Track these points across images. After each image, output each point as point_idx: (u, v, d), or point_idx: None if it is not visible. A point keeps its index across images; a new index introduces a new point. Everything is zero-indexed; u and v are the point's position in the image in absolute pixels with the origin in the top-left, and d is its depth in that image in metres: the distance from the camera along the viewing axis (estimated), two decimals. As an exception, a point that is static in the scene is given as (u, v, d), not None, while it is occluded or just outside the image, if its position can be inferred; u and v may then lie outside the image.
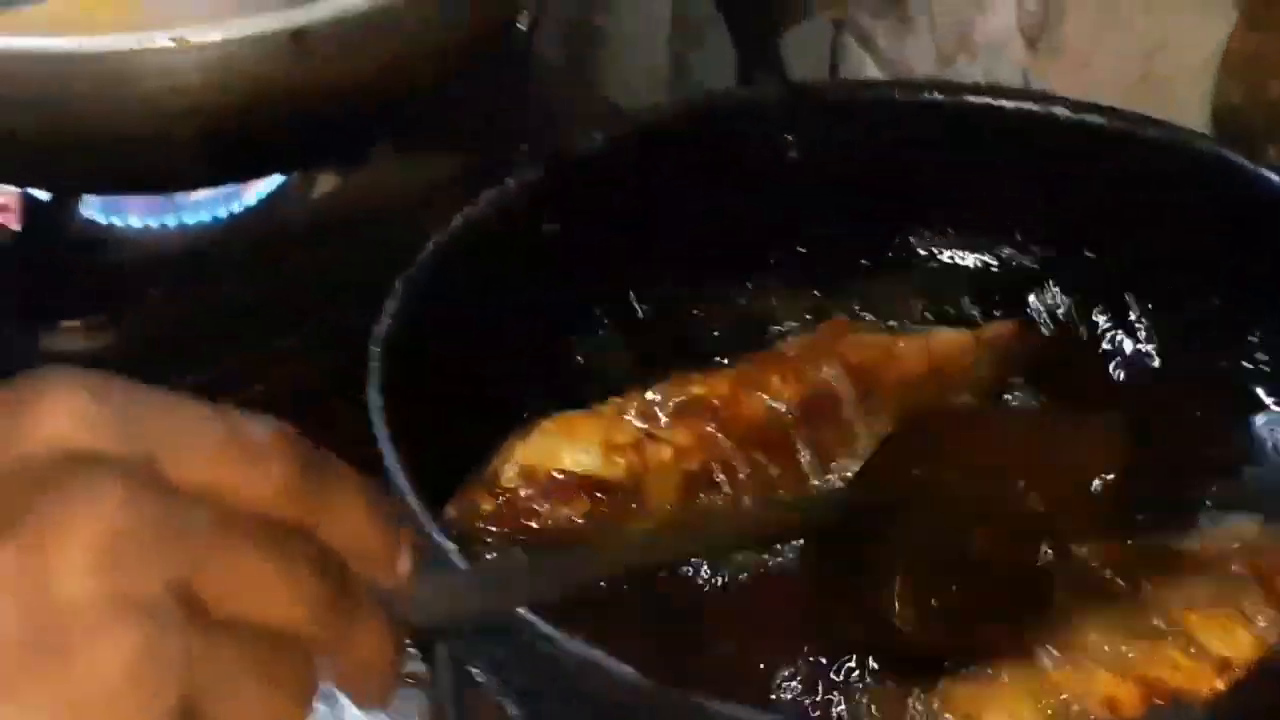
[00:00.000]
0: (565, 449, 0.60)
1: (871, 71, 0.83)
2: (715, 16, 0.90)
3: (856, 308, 0.67)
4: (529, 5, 0.63)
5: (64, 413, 0.38)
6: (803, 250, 0.69)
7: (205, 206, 0.82)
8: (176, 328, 0.77)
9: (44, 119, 0.68)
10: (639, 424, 0.61)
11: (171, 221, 0.82)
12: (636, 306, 0.67)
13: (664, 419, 0.62)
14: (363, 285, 0.78)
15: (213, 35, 0.65)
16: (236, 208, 0.82)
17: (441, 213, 0.81)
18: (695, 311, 0.68)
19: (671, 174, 0.67)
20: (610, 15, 1.01)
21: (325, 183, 0.84)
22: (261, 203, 0.83)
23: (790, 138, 0.67)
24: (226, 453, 0.39)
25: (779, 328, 0.67)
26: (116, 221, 0.81)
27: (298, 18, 0.66)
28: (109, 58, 0.65)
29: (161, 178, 0.77)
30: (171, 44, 0.65)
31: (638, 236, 0.66)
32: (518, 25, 0.66)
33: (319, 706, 0.40)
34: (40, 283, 0.78)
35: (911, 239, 0.69)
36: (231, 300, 0.79)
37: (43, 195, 0.79)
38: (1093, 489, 0.55)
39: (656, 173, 0.66)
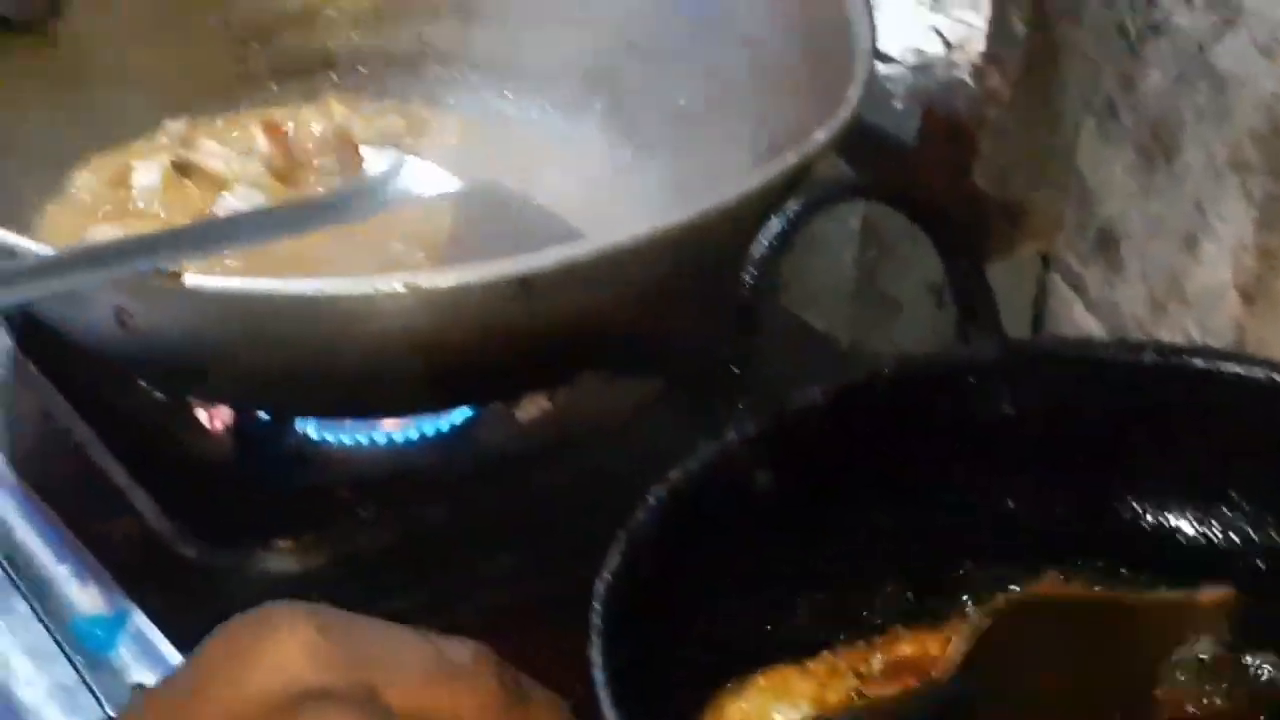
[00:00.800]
0: (778, 705, 0.61)
1: (1079, 313, 0.83)
2: (908, 228, 0.91)
3: (1064, 569, 0.67)
4: (753, 263, 0.63)
5: (295, 650, 0.42)
6: (1011, 505, 0.69)
7: (412, 424, 0.84)
8: (386, 548, 0.79)
9: (277, 353, 0.70)
10: (851, 682, 0.62)
11: (380, 439, 0.84)
12: (850, 562, 0.67)
13: (876, 677, 0.62)
14: (567, 507, 0.81)
15: (444, 281, 0.67)
16: (444, 426, 0.84)
17: (645, 436, 0.84)
18: (904, 566, 0.68)
19: (885, 428, 0.67)
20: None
21: (532, 404, 0.86)
22: (468, 421, 0.85)
23: (1005, 393, 0.68)
24: (436, 677, 0.42)
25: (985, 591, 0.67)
26: (328, 438, 0.83)
27: (526, 265, 0.68)
28: (345, 300, 0.67)
29: (382, 407, 0.79)
30: (404, 289, 0.67)
31: (851, 490, 0.67)
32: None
33: None
34: (254, 501, 0.80)
35: (1124, 498, 0.69)
36: (438, 521, 0.80)
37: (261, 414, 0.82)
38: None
39: (871, 427, 0.67)
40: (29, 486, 0.79)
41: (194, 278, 0.66)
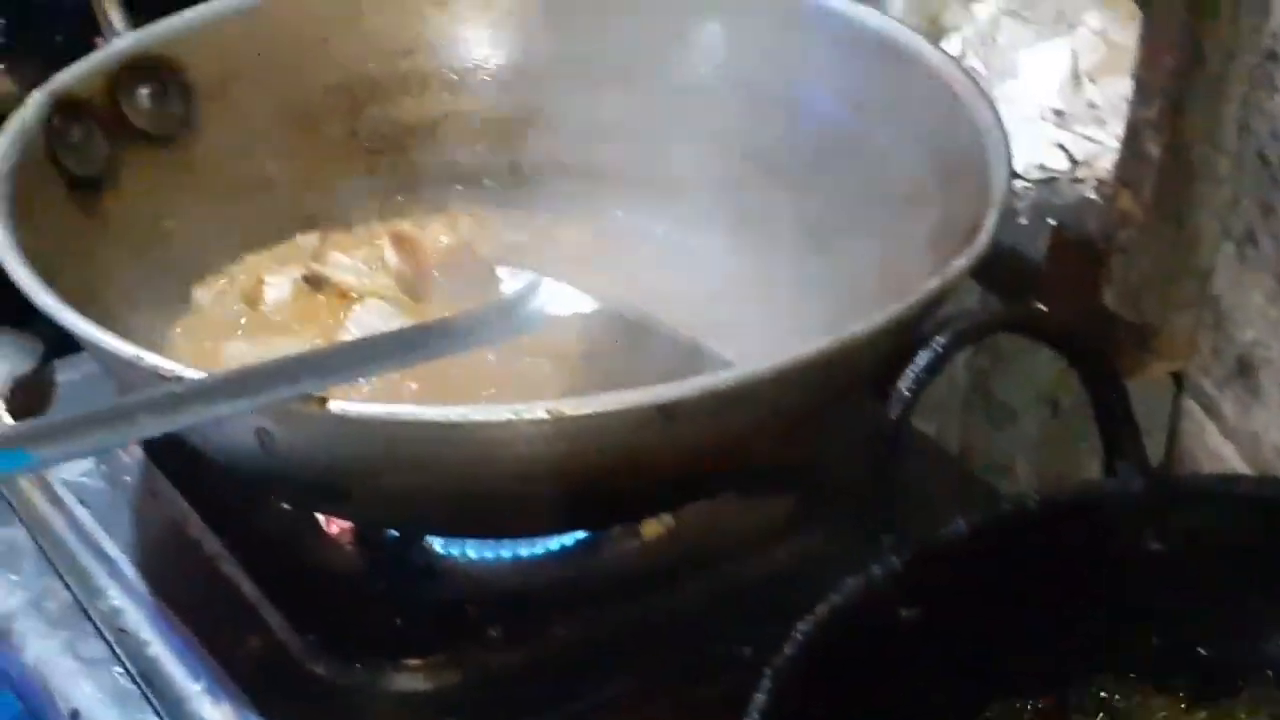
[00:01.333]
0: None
1: (1214, 439, 0.82)
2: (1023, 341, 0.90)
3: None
4: (899, 397, 0.63)
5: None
6: (1158, 642, 0.68)
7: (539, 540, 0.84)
8: (515, 667, 0.79)
9: (417, 476, 0.71)
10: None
11: (506, 554, 0.84)
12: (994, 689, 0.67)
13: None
14: (693, 628, 0.81)
15: (586, 409, 0.67)
16: (569, 541, 0.84)
17: (773, 556, 0.84)
18: (1047, 703, 0.67)
19: (1029, 561, 0.67)
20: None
21: (656, 522, 0.86)
22: (593, 537, 0.84)
23: (1151, 528, 0.67)
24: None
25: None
26: (454, 552, 0.83)
27: (667, 393, 0.68)
28: (487, 427, 0.68)
29: (518, 528, 0.79)
30: (547, 416, 0.67)
31: (996, 623, 0.66)
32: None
33: None
34: (384, 617, 0.80)
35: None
36: (566, 640, 0.80)
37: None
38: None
39: (1015, 560, 0.66)
40: (161, 600, 0.80)
41: (338, 403, 0.67)
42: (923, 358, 0.64)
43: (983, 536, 0.66)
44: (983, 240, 0.75)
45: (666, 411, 0.68)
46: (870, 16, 0.92)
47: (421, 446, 0.69)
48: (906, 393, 0.64)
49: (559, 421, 0.67)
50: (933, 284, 0.72)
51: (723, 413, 0.70)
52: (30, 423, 0.64)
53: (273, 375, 0.66)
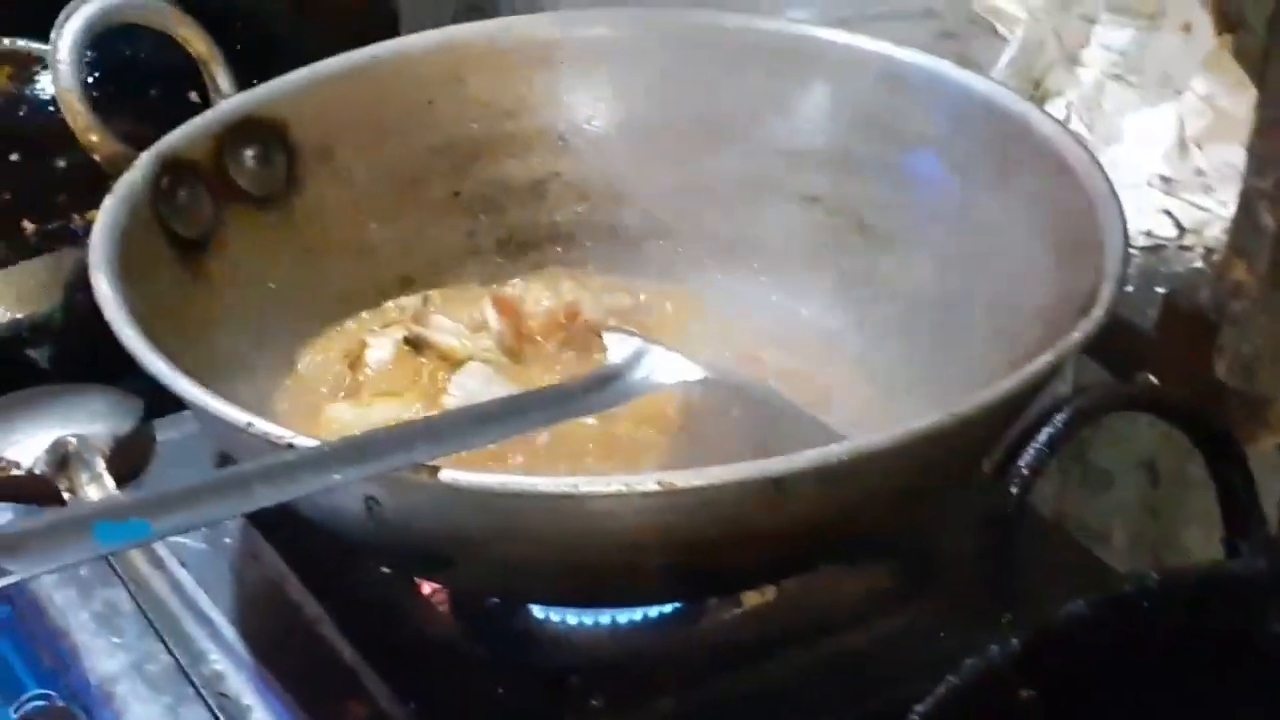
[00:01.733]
0: None
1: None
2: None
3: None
4: (1018, 476, 0.62)
5: None
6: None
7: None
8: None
9: (525, 546, 0.70)
10: None
11: (605, 621, 0.83)
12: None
13: None
14: (794, 700, 0.80)
15: (697, 481, 0.67)
16: (668, 609, 0.83)
17: (876, 628, 0.83)
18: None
19: (1151, 644, 0.65)
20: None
21: (758, 591, 0.85)
22: (693, 606, 0.83)
23: (1275, 611, 0.66)
24: None
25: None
26: (554, 619, 0.82)
27: (779, 466, 0.67)
28: (598, 498, 0.67)
29: (623, 597, 0.78)
30: (658, 487, 0.66)
31: (1115, 706, 0.65)
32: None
33: None
34: (484, 685, 0.79)
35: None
36: (668, 712, 0.79)
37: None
38: None
39: (1137, 642, 0.65)
40: (262, 665, 0.79)
41: (450, 472, 0.66)
42: (1043, 435, 0.63)
43: (1103, 617, 0.64)
44: (1098, 314, 0.74)
45: (778, 484, 0.67)
46: (976, 81, 0.91)
47: (531, 517, 0.68)
48: (1026, 471, 0.63)
49: (670, 493, 0.66)
50: (1048, 358, 0.71)
51: (834, 486, 0.69)
52: (147, 494, 0.64)
53: (386, 444, 0.66)
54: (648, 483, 0.66)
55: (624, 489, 0.67)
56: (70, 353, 1.12)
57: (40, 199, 1.21)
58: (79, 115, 0.87)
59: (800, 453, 0.68)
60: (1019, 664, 0.64)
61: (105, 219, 0.81)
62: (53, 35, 0.87)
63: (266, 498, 0.63)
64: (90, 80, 1.11)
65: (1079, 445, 1.09)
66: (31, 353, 1.14)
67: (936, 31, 1.20)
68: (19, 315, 1.20)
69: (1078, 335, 0.73)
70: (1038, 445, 0.63)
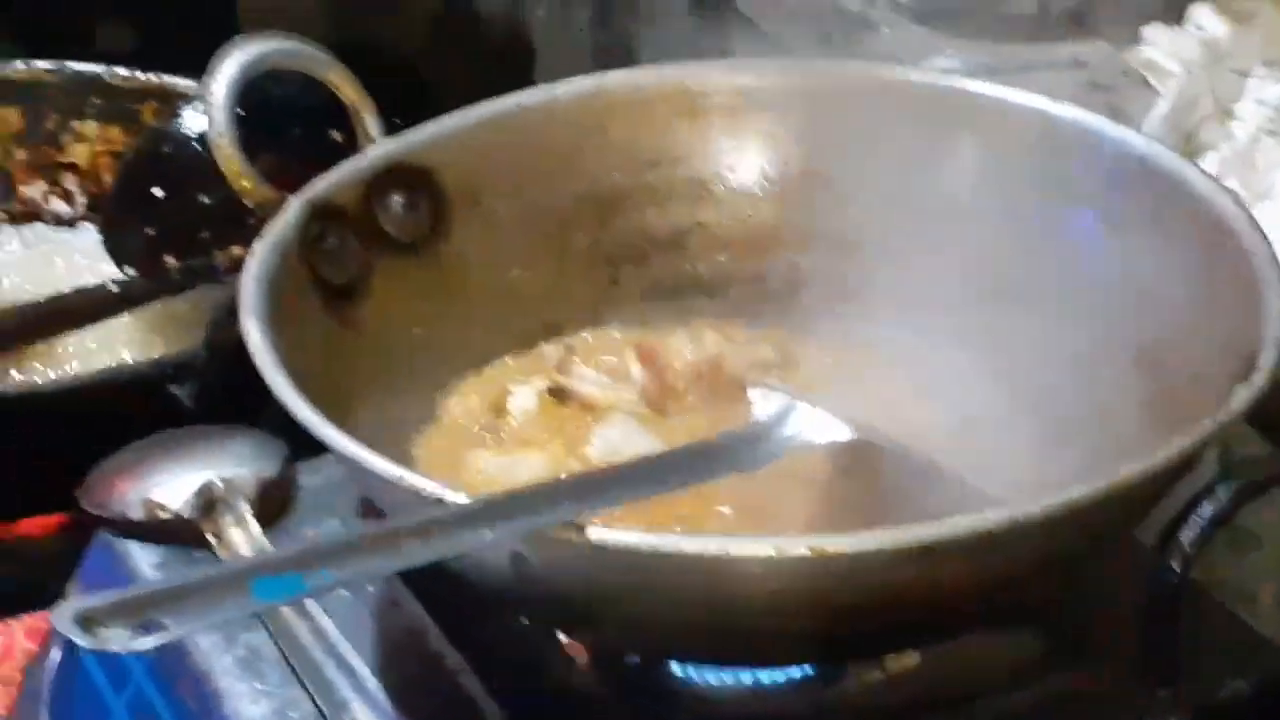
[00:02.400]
0: None
1: None
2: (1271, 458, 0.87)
3: None
4: (1180, 551, 0.61)
5: None
6: None
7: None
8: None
9: (669, 605, 0.70)
10: None
11: (746, 679, 0.82)
12: None
13: None
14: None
15: (848, 546, 0.66)
16: (810, 670, 0.82)
17: (1022, 696, 0.81)
18: None
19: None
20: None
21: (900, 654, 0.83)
22: (835, 667, 0.82)
23: None
24: None
25: None
26: (694, 676, 0.82)
27: (931, 532, 0.66)
28: (746, 561, 0.66)
29: (765, 658, 0.78)
30: (808, 553, 0.65)
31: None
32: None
33: None
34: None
35: None
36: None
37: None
38: None
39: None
40: (403, 715, 0.79)
41: (597, 530, 0.66)
42: (1206, 510, 0.61)
43: (1264, 696, 0.63)
44: (1259, 381, 0.72)
45: (929, 550, 0.66)
46: (1132, 138, 0.89)
47: (677, 577, 0.68)
48: (1189, 548, 0.61)
49: (820, 557, 0.66)
50: (1208, 427, 0.70)
51: (985, 553, 0.68)
52: (300, 548, 0.64)
53: (534, 500, 0.66)
54: (799, 547, 0.66)
55: (774, 553, 0.66)
56: (212, 391, 1.13)
57: (182, 234, 1.22)
58: (231, 160, 0.88)
59: (953, 518, 0.66)
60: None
61: (256, 266, 0.81)
62: (206, 80, 0.88)
63: (417, 556, 0.62)
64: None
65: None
66: (174, 390, 1.15)
67: (1085, 82, 1.18)
68: (163, 354, 1.22)
69: (1238, 404, 0.71)
70: (1201, 521, 0.61)
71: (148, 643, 0.52)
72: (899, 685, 0.82)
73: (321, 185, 0.87)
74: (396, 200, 0.90)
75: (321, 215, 0.86)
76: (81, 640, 0.52)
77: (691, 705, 0.81)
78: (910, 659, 0.82)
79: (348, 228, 0.88)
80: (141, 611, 0.53)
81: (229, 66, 0.88)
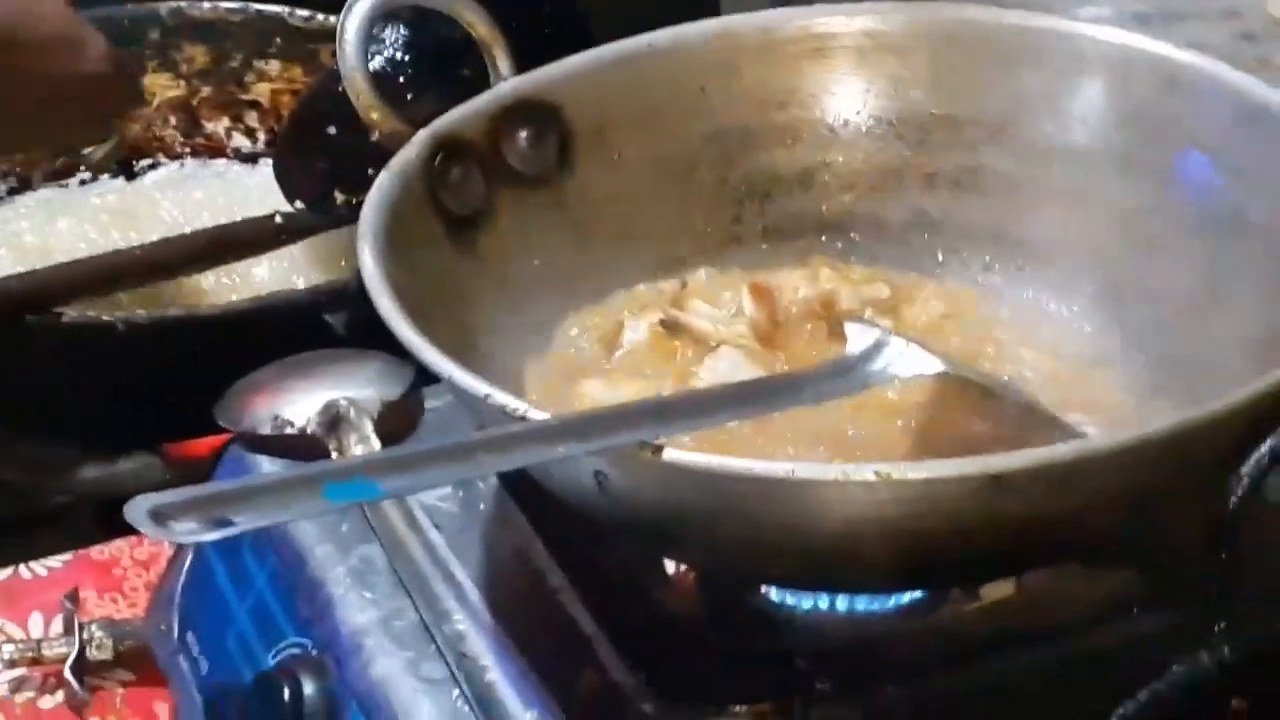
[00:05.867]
0: None
1: None
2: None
3: None
4: (1240, 484, 0.61)
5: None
6: None
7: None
8: (841, 723, 0.79)
9: (745, 527, 0.72)
10: None
11: (842, 606, 0.84)
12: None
13: None
14: (1028, 700, 0.79)
15: (914, 473, 0.67)
16: (905, 599, 0.84)
17: (1117, 632, 0.82)
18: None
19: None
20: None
21: (997, 586, 0.84)
22: (932, 596, 0.84)
23: None
24: None
25: None
26: (790, 601, 0.83)
27: (1000, 463, 0.67)
28: (815, 484, 0.68)
29: (845, 584, 0.79)
30: (875, 477, 0.67)
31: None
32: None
33: None
34: (715, 662, 0.81)
35: None
36: (895, 701, 0.79)
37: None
38: None
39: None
40: (502, 628, 0.82)
41: (672, 452, 0.68)
42: (1265, 446, 0.62)
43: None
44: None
45: (999, 480, 0.67)
46: (1255, 85, 0.89)
47: (749, 500, 0.70)
48: (1246, 479, 0.62)
49: (889, 484, 0.67)
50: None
51: (1057, 486, 0.69)
52: (375, 454, 0.67)
53: (612, 421, 0.68)
54: (865, 472, 0.67)
55: (841, 477, 0.68)
56: (364, 320, 1.17)
57: (352, 171, 1.26)
58: (362, 93, 0.91)
59: (1023, 450, 0.68)
60: (1231, 673, 0.63)
61: (377, 193, 0.85)
62: (341, 15, 0.92)
63: (490, 465, 0.65)
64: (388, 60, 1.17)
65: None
66: (328, 317, 1.19)
67: (1237, 32, 1.17)
68: (318, 282, 1.27)
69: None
70: (1260, 455, 0.62)
71: (213, 536, 0.56)
72: (993, 616, 0.83)
73: (448, 119, 0.90)
74: (523, 136, 0.93)
75: (447, 147, 0.89)
76: (149, 531, 0.55)
77: (787, 630, 0.83)
78: (1005, 590, 0.83)
79: (474, 161, 0.91)
80: (211, 508, 0.56)
81: (362, 2, 0.91)
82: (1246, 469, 0.62)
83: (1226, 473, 0.69)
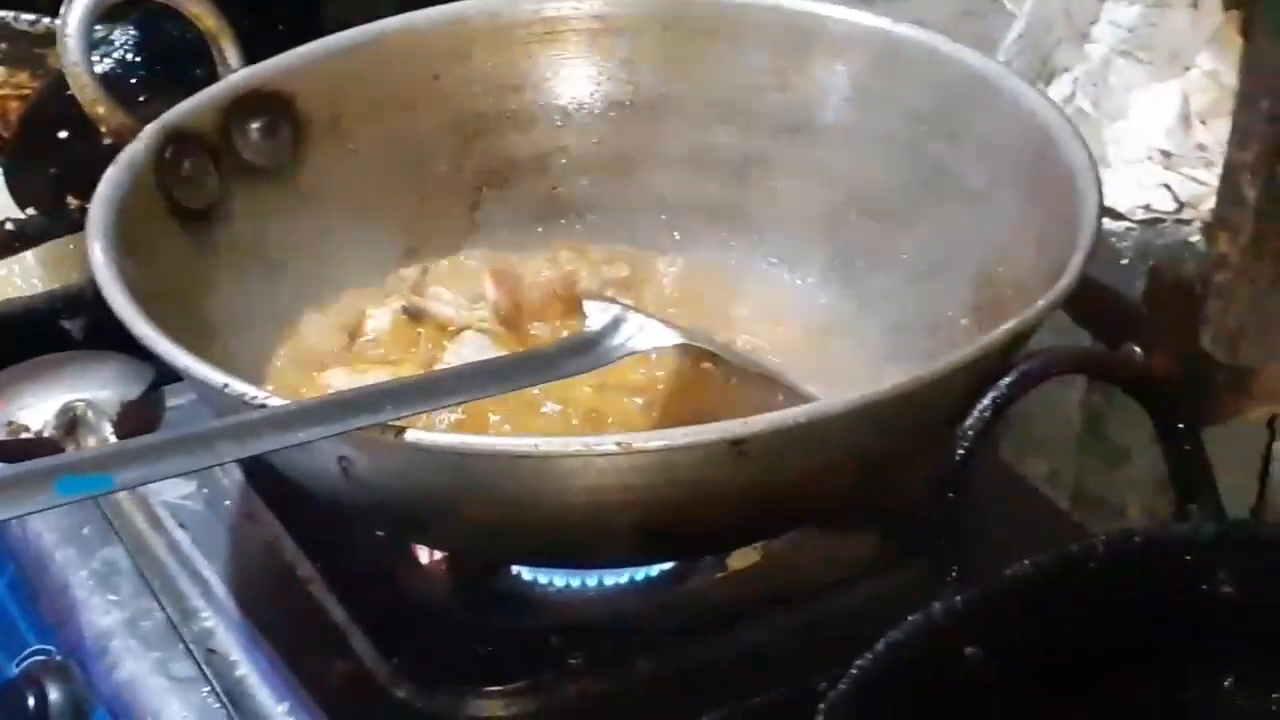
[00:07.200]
0: None
1: (1307, 486, 0.81)
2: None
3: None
4: (963, 437, 0.63)
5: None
6: (1229, 691, 0.67)
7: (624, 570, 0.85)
8: (596, 698, 0.79)
9: (491, 506, 0.72)
10: None
11: (591, 583, 0.84)
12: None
13: None
14: (776, 663, 0.81)
15: (655, 442, 0.68)
16: (654, 572, 0.85)
17: (860, 592, 0.84)
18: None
19: (1098, 604, 0.66)
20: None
21: (743, 554, 0.86)
22: (679, 569, 0.85)
23: (1224, 574, 0.66)
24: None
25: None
26: (540, 580, 0.84)
27: (738, 428, 0.68)
28: (558, 458, 0.69)
29: (594, 558, 0.80)
30: (616, 448, 0.68)
31: (1061, 666, 0.66)
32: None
33: None
34: (468, 644, 0.81)
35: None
36: (648, 672, 0.81)
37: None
38: None
39: (1082, 603, 0.66)
40: (251, 622, 0.81)
41: (414, 433, 0.68)
42: (987, 399, 0.64)
43: (1048, 577, 0.66)
44: (1064, 284, 0.75)
45: (738, 446, 0.69)
46: (969, 55, 0.92)
47: (494, 478, 0.70)
48: (970, 432, 0.64)
49: (629, 453, 0.68)
50: (1009, 325, 0.72)
51: (795, 449, 0.70)
52: (108, 446, 0.66)
53: (352, 405, 0.68)
54: (606, 443, 0.68)
55: (582, 449, 0.68)
56: (101, 325, 1.15)
57: (85, 175, 1.23)
58: (86, 88, 0.90)
59: (759, 415, 0.69)
60: (962, 621, 0.65)
61: (106, 188, 0.83)
62: (62, 10, 0.90)
63: (230, 453, 0.65)
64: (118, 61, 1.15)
65: (1097, 422, 1.10)
66: (66, 324, 1.17)
67: (959, 10, 1.20)
68: (53, 287, 1.24)
69: (1041, 304, 0.73)
70: (982, 409, 0.64)
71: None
72: (740, 584, 0.84)
73: (177, 111, 0.89)
74: (255, 127, 0.92)
75: (177, 140, 0.88)
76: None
77: (536, 608, 0.84)
78: (752, 558, 0.85)
79: (205, 153, 0.90)
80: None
81: (82, -4, 0.89)
82: (970, 422, 0.64)
83: (950, 427, 0.71)
